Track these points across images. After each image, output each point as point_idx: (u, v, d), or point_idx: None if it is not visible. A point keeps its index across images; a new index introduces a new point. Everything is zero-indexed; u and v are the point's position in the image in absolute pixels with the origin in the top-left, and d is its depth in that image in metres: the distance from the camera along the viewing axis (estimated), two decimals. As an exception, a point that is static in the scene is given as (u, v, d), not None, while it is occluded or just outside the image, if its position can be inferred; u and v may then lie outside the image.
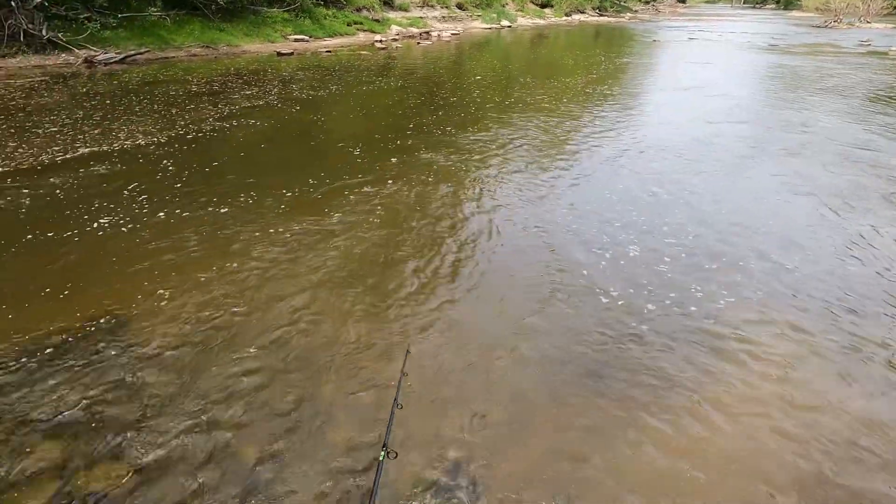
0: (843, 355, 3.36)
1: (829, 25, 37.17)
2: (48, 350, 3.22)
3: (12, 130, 7.71)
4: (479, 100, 10.94)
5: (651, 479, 2.51)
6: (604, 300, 3.87)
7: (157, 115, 8.81)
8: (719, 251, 4.61)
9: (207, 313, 3.62)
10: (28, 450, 2.54)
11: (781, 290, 4.04)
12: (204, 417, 2.76)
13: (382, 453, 2.07)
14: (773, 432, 2.78)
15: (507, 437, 2.72)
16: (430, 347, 3.36)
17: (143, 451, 2.56)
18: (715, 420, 2.85)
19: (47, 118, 8.40)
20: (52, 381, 2.97)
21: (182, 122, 8.43)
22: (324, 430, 2.72)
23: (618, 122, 9.23)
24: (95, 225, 4.86)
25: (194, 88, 11.15)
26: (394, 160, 6.90)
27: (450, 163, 6.84)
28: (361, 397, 2.94)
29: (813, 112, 10.14)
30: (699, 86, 13.16)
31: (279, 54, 16.87)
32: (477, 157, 7.12)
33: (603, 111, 10.04)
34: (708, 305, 3.84)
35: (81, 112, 8.85)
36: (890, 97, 11.73)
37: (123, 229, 4.80)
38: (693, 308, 3.79)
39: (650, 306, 3.81)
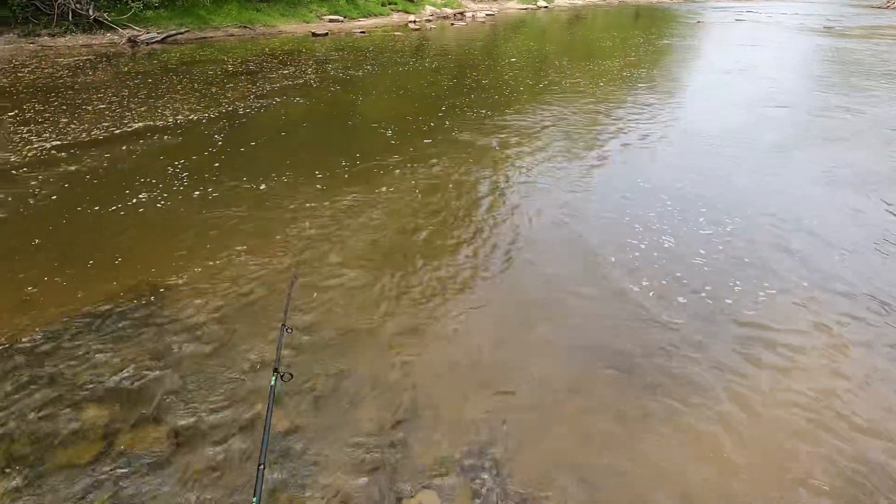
0: (888, 349, 3.22)
1: (892, 6, 34.90)
2: (94, 319, 3.37)
3: (64, 107, 8.02)
4: (512, 82, 10.76)
5: (678, 470, 2.48)
6: (635, 289, 3.80)
7: (198, 94, 9.01)
8: (757, 242, 4.45)
9: (246, 286, 3.73)
10: (76, 412, 2.69)
11: (821, 283, 3.88)
12: (240, 387, 2.86)
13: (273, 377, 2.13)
14: (809, 427, 2.70)
15: (535, 422, 2.72)
16: (453, 328, 3.38)
17: (181, 418, 2.67)
18: (748, 413, 2.78)
19: (95, 96, 8.69)
20: (97, 349, 3.12)
21: (223, 101, 8.60)
22: (355, 406, 2.79)
23: (655, 106, 8.94)
24: (141, 197, 5.04)
25: (231, 68, 11.32)
26: (427, 141, 6.88)
27: (482, 145, 6.78)
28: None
29: (865, 98, 9.58)
30: (743, 69, 12.59)
31: (314, 35, 16.94)
32: (510, 140, 7.02)
33: (640, 95, 9.74)
34: (744, 298, 3.72)
35: (127, 90, 9.12)
36: (953, 84, 10.99)
37: (168, 203, 4.96)
38: (728, 301, 3.68)
39: (681, 298, 3.72)
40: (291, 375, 2.14)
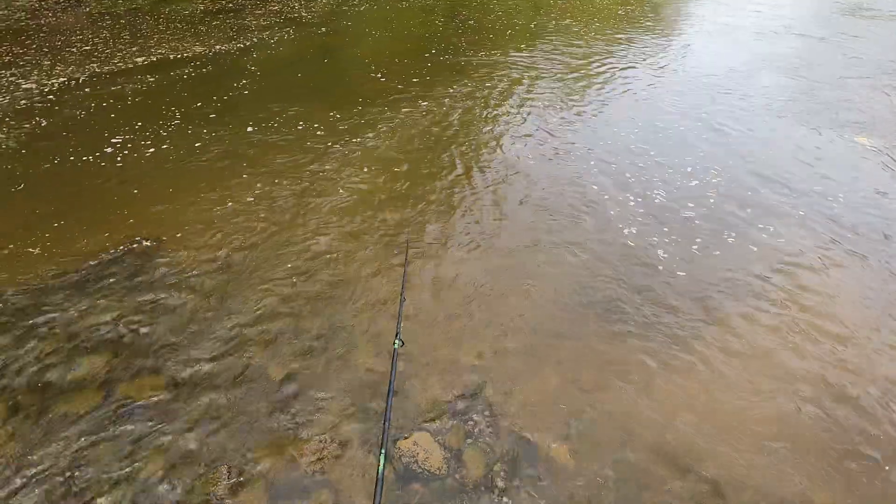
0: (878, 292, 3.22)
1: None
2: (87, 273, 3.29)
3: (45, 49, 7.54)
4: (505, 21, 10.19)
5: (668, 409, 2.52)
6: (630, 243, 3.73)
7: (183, 34, 8.46)
8: (749, 192, 4.36)
9: (240, 237, 3.63)
10: (75, 362, 2.65)
11: (813, 231, 3.83)
12: (234, 338, 2.83)
13: (396, 342, 2.15)
14: (796, 367, 2.73)
15: (524, 366, 2.73)
16: (449, 271, 3.32)
17: (178, 367, 2.65)
18: (734, 355, 2.80)
19: (75, 37, 8.15)
20: (93, 302, 3.05)
21: (211, 40, 8.08)
22: (346, 358, 2.78)
23: (650, 51, 8.52)
24: (130, 146, 4.81)
25: (211, 6, 10.59)
26: (418, 85, 6.56)
27: (474, 89, 6.48)
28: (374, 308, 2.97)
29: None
30: (762, 19, 11.94)
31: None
32: (502, 84, 6.71)
33: (636, 38, 9.26)
34: (735, 248, 3.68)
35: (106, 32, 8.55)
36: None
37: (154, 150, 4.75)
38: (717, 252, 3.63)
39: (674, 246, 3.67)
40: (403, 342, 2.18)
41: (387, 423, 1.69)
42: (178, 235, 3.63)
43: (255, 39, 8.35)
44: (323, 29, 9.25)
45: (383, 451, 1.57)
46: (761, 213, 4.01)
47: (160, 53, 7.53)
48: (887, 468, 2.30)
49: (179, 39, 8.21)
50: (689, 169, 4.62)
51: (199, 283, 3.22)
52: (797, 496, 2.20)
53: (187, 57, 7.42)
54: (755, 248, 3.63)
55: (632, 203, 4.11)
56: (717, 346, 2.87)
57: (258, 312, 3.00)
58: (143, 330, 2.87)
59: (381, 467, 1.51)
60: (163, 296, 3.10)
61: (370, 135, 5.16)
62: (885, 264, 3.51)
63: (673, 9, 11.64)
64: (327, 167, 4.56)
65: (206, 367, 2.66)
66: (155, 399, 2.49)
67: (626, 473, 2.27)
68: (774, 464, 2.31)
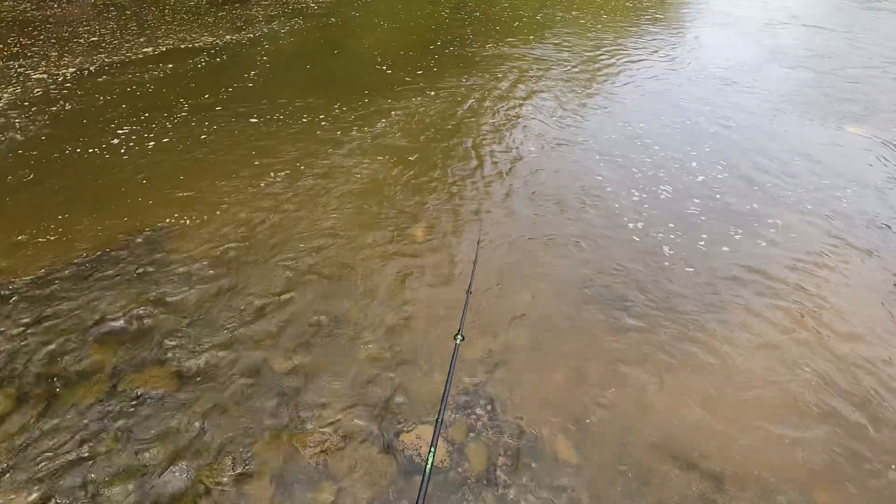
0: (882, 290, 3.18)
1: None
2: (95, 263, 3.29)
3: (53, 40, 7.53)
4: (511, 13, 10.07)
5: (672, 404, 2.50)
6: (636, 238, 3.70)
7: (191, 24, 8.42)
8: (755, 187, 4.30)
9: (248, 228, 3.62)
10: (80, 353, 2.66)
11: (816, 230, 3.78)
12: (240, 329, 2.83)
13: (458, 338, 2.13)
14: (803, 363, 2.70)
15: (528, 361, 2.72)
16: (453, 265, 3.31)
17: (184, 358, 2.66)
18: (740, 350, 2.78)
19: (81, 28, 8.14)
20: (100, 292, 3.05)
21: (219, 30, 8.04)
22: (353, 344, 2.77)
23: (657, 43, 8.41)
24: (138, 137, 4.80)
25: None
26: (425, 76, 6.50)
27: (480, 81, 6.42)
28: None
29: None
30: (769, 11, 11.74)
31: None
32: (508, 76, 6.63)
33: (643, 30, 9.14)
34: (744, 244, 3.63)
35: (113, 23, 8.53)
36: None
37: (161, 141, 4.74)
38: (726, 248, 3.59)
39: (680, 241, 3.63)
40: (463, 337, 2.18)
41: (440, 419, 1.68)
42: (186, 226, 3.63)
43: (263, 30, 8.30)
44: (333, 19, 9.19)
45: (433, 448, 1.60)
46: (767, 207, 3.96)
47: (168, 44, 7.50)
48: (893, 467, 2.28)
49: (187, 30, 8.18)
50: (694, 164, 4.56)
51: (206, 273, 3.22)
52: (801, 493, 2.18)
53: (196, 47, 7.39)
54: (762, 244, 3.59)
55: (636, 198, 4.06)
56: (723, 340, 2.84)
57: (265, 303, 3.00)
58: (150, 320, 2.87)
59: (428, 466, 1.53)
60: (170, 286, 3.10)
61: (377, 127, 5.13)
62: (891, 257, 3.45)
63: (680, 0, 11.46)
64: (336, 158, 4.53)
65: (213, 358, 2.66)
66: (161, 390, 2.50)
67: (630, 468, 2.25)
68: (779, 459, 2.29)
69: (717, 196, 4.09)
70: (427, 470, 1.52)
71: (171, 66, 6.65)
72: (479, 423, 2.42)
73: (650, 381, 2.62)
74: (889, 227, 3.79)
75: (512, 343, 2.81)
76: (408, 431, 2.37)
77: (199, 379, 2.55)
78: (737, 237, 3.65)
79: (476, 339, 2.82)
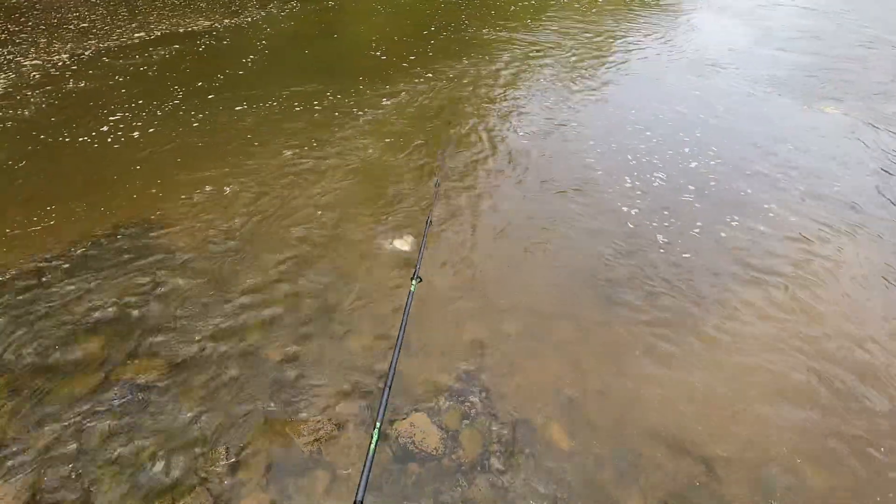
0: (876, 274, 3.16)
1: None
2: (84, 255, 3.23)
3: (42, 27, 7.34)
4: (508, -2, 9.88)
5: (665, 391, 2.48)
6: (630, 225, 3.66)
7: (180, 11, 8.23)
8: (748, 171, 4.25)
9: (241, 217, 3.56)
10: (72, 344, 2.62)
11: (809, 219, 3.74)
12: (233, 318, 2.79)
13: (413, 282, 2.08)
14: (795, 349, 2.68)
15: (523, 348, 2.69)
16: (447, 252, 3.27)
17: (176, 348, 2.62)
18: (734, 337, 2.76)
19: (70, 15, 7.94)
20: (92, 282, 3.00)
21: (215, 13, 7.86)
22: (345, 338, 2.74)
23: (652, 28, 8.27)
24: (131, 125, 4.70)
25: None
26: (422, 61, 6.38)
27: (475, 66, 6.31)
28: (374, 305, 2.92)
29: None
30: None
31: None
32: (503, 61, 6.52)
33: (638, 15, 8.99)
34: (736, 232, 3.60)
35: (103, 9, 8.32)
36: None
37: (154, 129, 4.64)
38: (723, 234, 3.55)
39: (675, 228, 3.59)
40: (421, 279, 2.06)
41: (392, 371, 1.51)
42: (179, 215, 3.56)
43: (260, 14, 8.13)
44: (330, 2, 8.99)
45: (378, 424, 1.38)
46: (761, 192, 3.92)
47: (162, 29, 7.34)
48: (882, 450, 2.27)
49: (180, 15, 8.00)
50: (687, 150, 4.50)
51: (198, 263, 3.17)
52: (792, 477, 2.17)
53: (191, 32, 7.24)
54: (757, 229, 3.55)
55: (629, 184, 4.01)
56: (717, 328, 2.82)
57: (257, 293, 2.95)
58: (142, 310, 2.83)
59: (372, 445, 1.35)
60: (162, 276, 3.05)
61: (373, 112, 5.03)
62: (886, 239, 3.43)
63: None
64: (330, 146, 4.45)
65: (205, 347, 2.62)
66: (154, 379, 2.46)
67: (623, 454, 2.24)
68: (770, 444, 2.28)
69: (712, 184, 4.04)
70: (371, 449, 1.33)
71: (164, 51, 6.51)
72: (474, 410, 2.40)
73: (644, 367, 2.60)
74: (879, 207, 3.75)
75: (506, 331, 2.78)
76: (402, 419, 2.34)
77: (191, 368, 2.52)
78: (733, 223, 3.61)
79: (471, 327, 2.79)
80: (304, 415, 2.34)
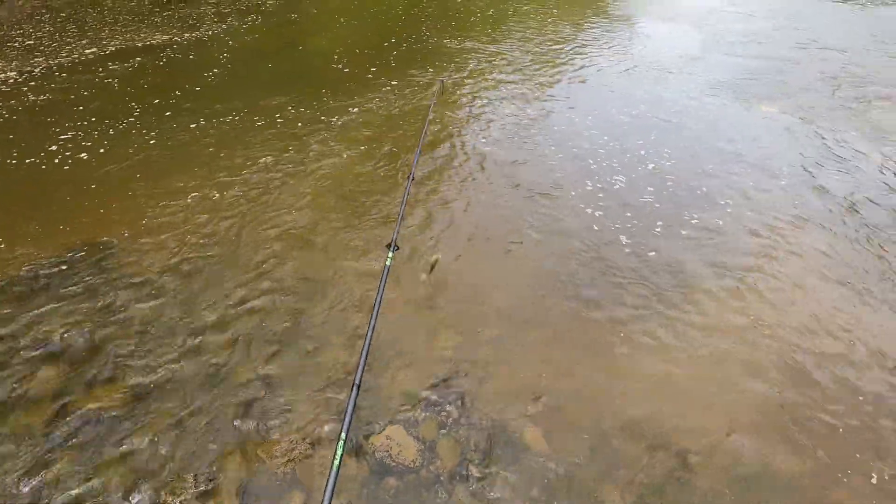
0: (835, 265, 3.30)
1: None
2: (40, 279, 3.06)
3: (-18, 46, 6.99)
4: (464, 8, 10.00)
5: (638, 387, 2.51)
6: (595, 227, 3.71)
7: (134, 26, 7.96)
8: (699, 171, 4.40)
9: (201, 236, 3.43)
10: (27, 374, 2.46)
11: (762, 214, 3.89)
12: (198, 339, 2.68)
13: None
14: (761, 342, 2.76)
15: (496, 353, 2.68)
16: (413, 260, 3.24)
17: (138, 374, 2.49)
18: (701, 332, 2.82)
19: (14, 31, 7.58)
20: (45, 309, 2.84)
21: (163, 30, 7.63)
22: (316, 355, 2.66)
23: (607, 37, 8.51)
24: (82, 144, 4.49)
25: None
26: (384, 72, 6.36)
27: (436, 76, 6.33)
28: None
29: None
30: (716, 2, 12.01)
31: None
32: (464, 71, 6.57)
33: (594, 24, 9.24)
34: (696, 229, 3.70)
35: (49, 26, 7.97)
36: None
37: (108, 148, 4.45)
38: (684, 231, 3.65)
39: (637, 229, 3.67)
40: (398, 247, 1.96)
41: (358, 378, 1.44)
42: (135, 235, 3.42)
43: (221, 27, 7.95)
44: (293, 15, 8.87)
45: (343, 436, 1.30)
46: (716, 189, 4.06)
47: (116, 45, 7.08)
48: (845, 435, 2.35)
49: (134, 31, 7.74)
50: (643, 152, 4.62)
51: (160, 283, 3.03)
52: (761, 465, 2.23)
53: (148, 46, 7.01)
54: (720, 223, 3.66)
55: (590, 187, 4.08)
56: (684, 323, 2.88)
57: (223, 312, 2.85)
58: (101, 336, 2.68)
59: (338, 458, 1.28)
60: (121, 299, 2.91)
61: (338, 122, 4.97)
62: (841, 232, 3.57)
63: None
64: (293, 160, 4.37)
65: (169, 371, 2.50)
66: (115, 407, 2.33)
67: (600, 452, 2.25)
68: (740, 435, 2.34)
69: (669, 184, 4.15)
70: (336, 461, 1.23)
71: (119, 67, 6.28)
72: (450, 419, 2.36)
73: (616, 363, 2.63)
74: (817, 197, 3.93)
75: (481, 336, 2.77)
76: (378, 433, 2.29)
77: (155, 394, 2.40)
78: (693, 221, 3.71)
79: (445, 334, 2.76)
80: (276, 435, 2.26)
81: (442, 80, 3.32)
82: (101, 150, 4.42)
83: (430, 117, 2.57)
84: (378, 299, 1.69)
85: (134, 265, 3.17)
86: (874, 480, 2.16)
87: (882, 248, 3.46)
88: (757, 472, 2.20)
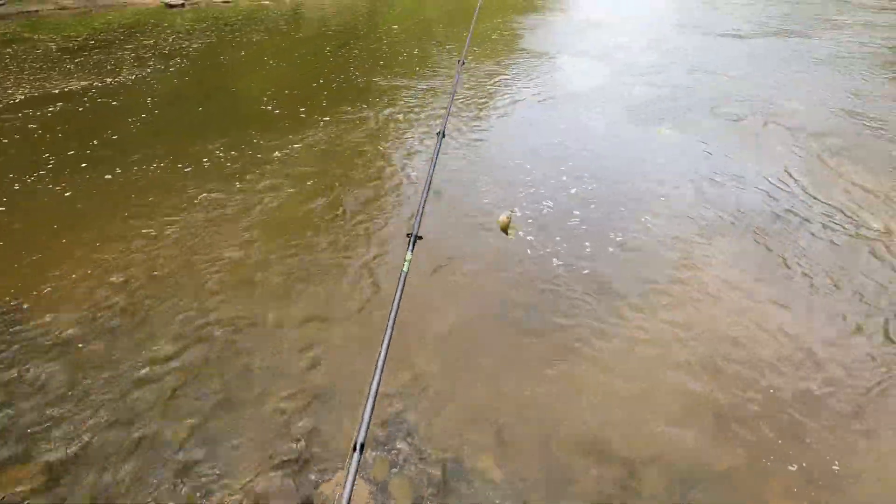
0: (761, 269, 3.57)
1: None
2: (-71, 350, 2.71)
3: None
4: (389, 49, 10.27)
5: (583, 402, 2.57)
6: (528, 251, 3.84)
7: (44, 74, 7.46)
8: (620, 192, 4.70)
9: (120, 291, 3.20)
10: (-86, 465, 2.14)
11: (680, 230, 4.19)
12: (124, 401, 2.46)
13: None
14: (693, 348, 2.92)
15: (443, 385, 2.66)
16: (353, 303, 3.19)
17: (56, 447, 2.24)
18: (637, 343, 2.95)
19: None
20: (-63, 385, 2.51)
21: (76, 78, 7.20)
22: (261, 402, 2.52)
23: (526, 72, 9.02)
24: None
25: (64, 43, 9.49)
26: (315, 112, 6.34)
27: (363, 115, 6.40)
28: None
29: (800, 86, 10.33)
30: (620, 42, 13.06)
31: (169, 6, 14.60)
32: (392, 109, 6.69)
33: (512, 61, 9.77)
34: (622, 247, 3.91)
35: (-57, 75, 7.32)
36: None
37: (19, 203, 4.08)
38: (611, 250, 3.84)
39: (567, 250, 3.83)
40: (420, 237, 1.80)
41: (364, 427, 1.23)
42: (51, 293, 3.13)
43: (140, 73, 7.62)
44: (222, 58, 8.68)
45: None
46: (635, 208, 4.33)
47: (24, 94, 6.60)
48: (776, 429, 2.52)
49: (44, 78, 7.26)
50: (565, 178, 4.85)
51: (78, 343, 2.78)
52: (700, 464, 2.33)
53: (61, 94, 6.59)
54: (643, 239, 3.89)
55: (519, 214, 4.23)
56: (620, 336, 3.00)
57: (147, 370, 2.65)
58: (9, 409, 2.40)
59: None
60: (30, 366, 2.63)
61: (270, 162, 4.87)
62: (765, 242, 3.87)
63: (542, 33, 12.45)
64: (221, 207, 4.21)
65: (91, 440, 2.28)
66: (26, 490, 2.07)
67: (552, 471, 2.27)
68: (681, 438, 2.44)
69: (592, 206, 4.39)
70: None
71: (24, 119, 5.84)
72: (401, 456, 2.31)
73: (560, 381, 2.70)
74: (720, 210, 4.30)
75: (428, 370, 2.74)
76: (327, 480, 2.19)
77: (74, 470, 2.17)
78: (618, 239, 3.92)
79: (390, 375, 2.71)
80: (217, 497, 2.10)
81: (462, 61, 3.34)
82: (6, 207, 4.06)
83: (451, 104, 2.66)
84: (395, 302, 1.57)
85: (47, 326, 2.90)
86: (793, 468, 2.33)
87: (782, 249, 3.81)
88: (692, 469, 2.30)
